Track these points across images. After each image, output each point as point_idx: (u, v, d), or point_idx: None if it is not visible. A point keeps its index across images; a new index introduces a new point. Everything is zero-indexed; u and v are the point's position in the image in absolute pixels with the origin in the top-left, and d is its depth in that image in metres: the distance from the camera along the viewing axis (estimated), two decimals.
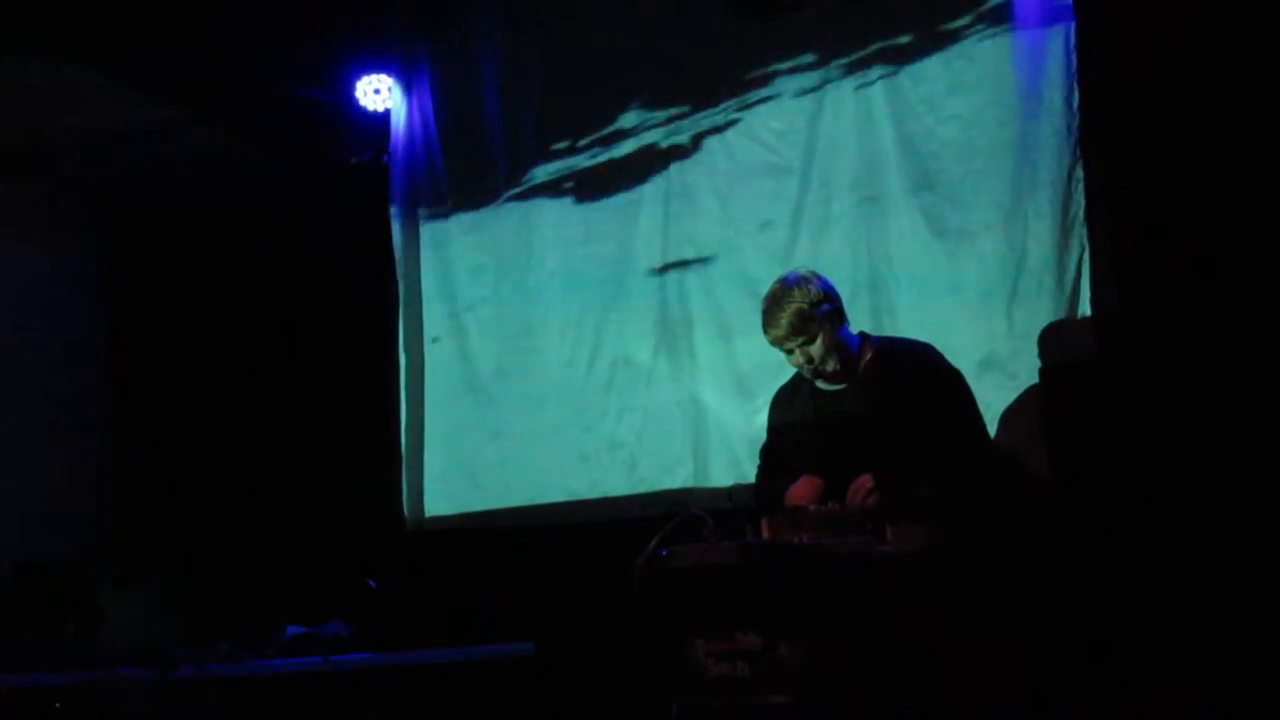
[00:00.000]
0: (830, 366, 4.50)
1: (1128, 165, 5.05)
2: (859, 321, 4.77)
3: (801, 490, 4.43)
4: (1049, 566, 4.56)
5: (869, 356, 4.57)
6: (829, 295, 4.50)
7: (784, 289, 4.50)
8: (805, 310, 4.44)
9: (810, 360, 4.49)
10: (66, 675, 4.81)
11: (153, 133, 7.25)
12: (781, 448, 4.72)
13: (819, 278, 4.56)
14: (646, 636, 4.45)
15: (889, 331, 5.25)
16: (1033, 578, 4.45)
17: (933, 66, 5.70)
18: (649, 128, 6.49)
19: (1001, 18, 5.54)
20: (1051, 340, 5.21)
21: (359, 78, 7.25)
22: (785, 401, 4.76)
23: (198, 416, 7.73)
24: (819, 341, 4.46)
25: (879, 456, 4.35)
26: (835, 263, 5.56)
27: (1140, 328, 4.94)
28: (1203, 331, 4.77)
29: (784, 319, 4.44)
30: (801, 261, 5.49)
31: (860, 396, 4.53)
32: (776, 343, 4.52)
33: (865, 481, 4.31)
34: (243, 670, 5.00)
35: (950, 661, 4.08)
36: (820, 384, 4.60)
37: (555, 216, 6.79)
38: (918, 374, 4.49)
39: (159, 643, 5.10)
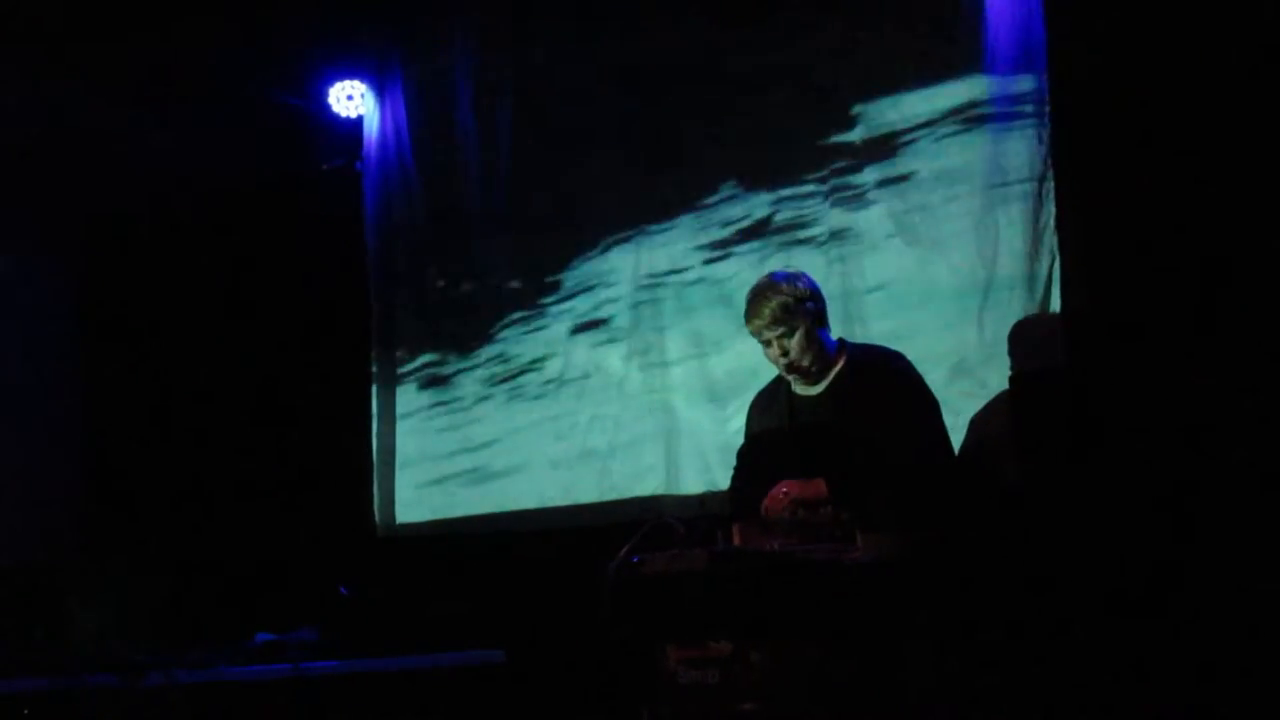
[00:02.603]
0: (805, 362, 4.58)
1: (1098, 174, 5.07)
2: (832, 329, 4.80)
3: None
4: (1018, 572, 4.57)
5: (843, 362, 4.63)
6: (814, 295, 4.63)
7: (771, 282, 4.63)
8: (789, 303, 4.55)
9: (786, 353, 4.56)
10: (34, 682, 4.78)
11: (125, 135, 7.21)
12: (757, 451, 4.74)
13: (807, 277, 4.70)
14: (618, 643, 4.45)
15: (860, 339, 5.28)
16: (1002, 583, 4.46)
17: (905, 74, 5.72)
18: (621, 135, 6.49)
19: (974, 28, 5.57)
20: (1022, 341, 5.24)
21: (332, 84, 7.24)
22: (763, 405, 4.81)
23: (168, 421, 7.68)
24: (798, 335, 4.55)
25: (851, 462, 4.37)
26: (808, 270, 5.56)
27: (1110, 334, 4.97)
28: (1172, 338, 4.80)
29: (767, 309, 4.55)
30: (775, 269, 5.50)
31: (834, 401, 4.56)
32: (756, 332, 4.61)
33: (787, 488, 4.32)
34: (212, 677, 4.98)
35: (920, 668, 4.09)
36: (797, 388, 4.66)
37: (527, 223, 6.78)
38: (885, 381, 4.53)
39: (127, 649, 5.07)
